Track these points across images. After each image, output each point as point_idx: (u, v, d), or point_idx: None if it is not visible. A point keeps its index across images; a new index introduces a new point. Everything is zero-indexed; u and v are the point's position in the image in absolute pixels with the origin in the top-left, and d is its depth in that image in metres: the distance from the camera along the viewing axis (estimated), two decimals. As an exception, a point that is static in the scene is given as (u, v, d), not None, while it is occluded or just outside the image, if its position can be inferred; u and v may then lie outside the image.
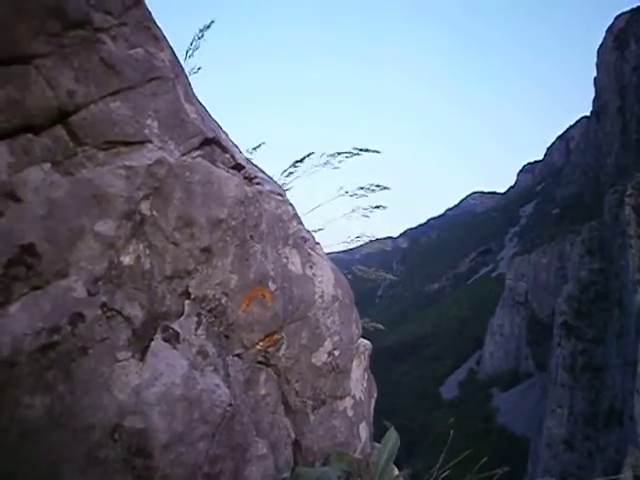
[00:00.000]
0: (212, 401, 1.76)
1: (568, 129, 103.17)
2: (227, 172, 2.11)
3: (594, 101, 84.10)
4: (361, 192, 4.23)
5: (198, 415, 1.71)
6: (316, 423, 2.64)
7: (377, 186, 4.22)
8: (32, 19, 1.67)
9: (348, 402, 2.89)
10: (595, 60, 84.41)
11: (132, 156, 1.83)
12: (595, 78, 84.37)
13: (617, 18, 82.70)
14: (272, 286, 2.26)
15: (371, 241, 5.08)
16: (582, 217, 69.13)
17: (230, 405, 1.83)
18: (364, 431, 3.04)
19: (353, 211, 4.40)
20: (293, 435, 2.51)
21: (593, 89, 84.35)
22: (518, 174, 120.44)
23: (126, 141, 1.86)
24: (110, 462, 1.54)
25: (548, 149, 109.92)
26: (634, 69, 74.28)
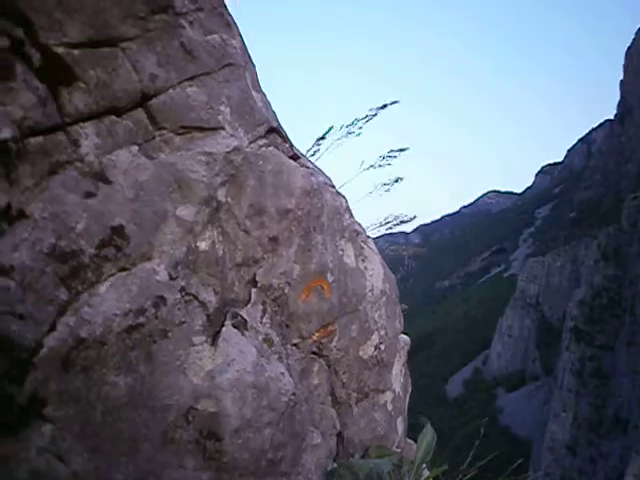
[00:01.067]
0: (278, 389, 1.78)
1: (590, 132, 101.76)
2: (293, 162, 2.12)
3: (619, 105, 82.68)
4: (383, 162, 4.07)
5: (266, 402, 1.73)
6: (358, 415, 2.66)
7: (398, 150, 4.08)
8: (123, 2, 1.68)
9: (388, 396, 2.91)
10: (623, 62, 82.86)
11: (207, 142, 1.85)
12: (621, 81, 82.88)
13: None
14: (330, 278, 2.27)
15: (394, 224, 4.91)
16: (599, 222, 68.30)
17: (293, 394, 1.86)
18: (400, 425, 3.07)
19: (375, 189, 4.27)
20: (338, 426, 2.54)
21: (618, 92, 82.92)
22: (536, 175, 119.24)
23: (201, 126, 1.88)
24: (183, 443, 1.56)
25: (569, 151, 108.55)
26: (662, 74, 72.93)
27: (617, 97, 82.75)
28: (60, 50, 1.56)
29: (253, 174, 1.88)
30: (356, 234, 2.69)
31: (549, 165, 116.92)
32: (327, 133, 4.11)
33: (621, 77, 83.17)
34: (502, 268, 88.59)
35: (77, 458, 1.36)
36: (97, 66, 1.63)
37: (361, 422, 2.70)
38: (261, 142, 2.14)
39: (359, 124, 4.12)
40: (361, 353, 2.61)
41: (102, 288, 1.42)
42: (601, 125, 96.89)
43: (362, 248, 2.67)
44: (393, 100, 3.92)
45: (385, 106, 3.95)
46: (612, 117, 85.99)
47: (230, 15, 2.21)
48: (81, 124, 1.61)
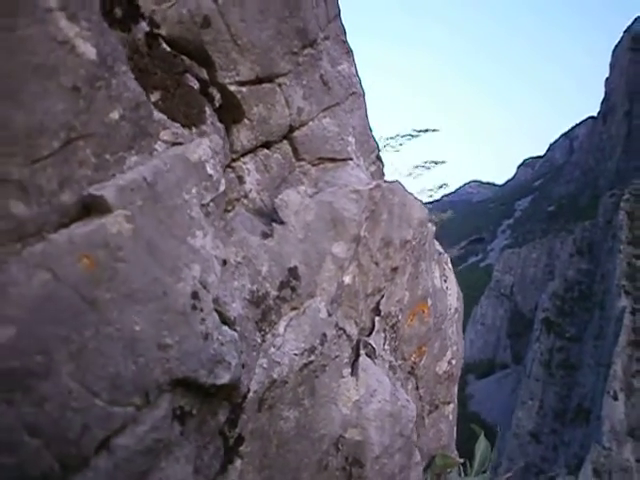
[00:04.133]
0: (407, 416, 1.88)
1: (573, 127, 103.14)
2: (410, 194, 2.19)
3: (602, 102, 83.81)
4: (417, 171, 4.20)
5: (398, 429, 1.83)
6: (429, 426, 2.79)
7: (434, 163, 4.20)
8: (284, 39, 1.72)
9: (451, 407, 3.04)
10: (609, 60, 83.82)
11: (339, 173, 1.90)
12: (607, 79, 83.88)
13: (637, 19, 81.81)
14: (429, 301, 2.37)
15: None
16: (576, 217, 69.65)
17: (415, 419, 1.96)
18: (454, 433, 3.22)
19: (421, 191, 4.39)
20: (415, 438, 2.66)
21: (603, 90, 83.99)
22: (518, 167, 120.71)
23: (334, 158, 1.93)
24: (333, 469, 1.65)
25: (551, 145, 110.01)
26: (647, 74, 73.91)
27: (602, 94, 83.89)
28: (233, 88, 1.59)
29: (386, 208, 1.94)
30: (439, 254, 2.78)
31: (531, 158, 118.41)
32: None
33: (607, 75, 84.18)
34: (479, 257, 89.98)
35: (257, 489, 1.44)
36: (260, 102, 1.67)
37: (430, 432, 2.82)
38: (372, 168, 2.20)
39: (400, 140, 4.25)
40: (437, 369, 2.73)
41: (281, 329, 1.48)
42: (584, 121, 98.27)
43: (444, 269, 2.77)
44: (434, 128, 4.08)
45: (427, 130, 4.10)
46: (595, 114, 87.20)
47: (347, 41, 2.25)
48: (242, 159, 1.65)
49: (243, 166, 1.62)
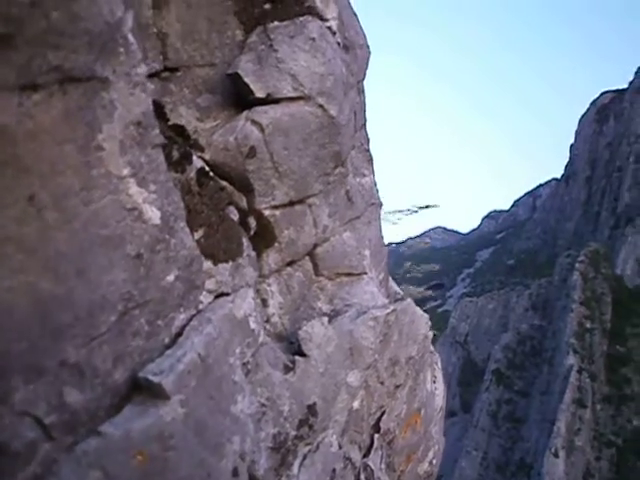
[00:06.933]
0: None
1: (537, 187, 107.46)
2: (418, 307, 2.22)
3: (566, 166, 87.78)
4: (398, 215, 4.20)
5: None
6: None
7: (425, 207, 4.22)
8: (321, 164, 1.74)
9: (426, 506, 3.02)
10: (576, 128, 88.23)
11: (354, 288, 1.91)
12: (572, 145, 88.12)
13: (602, 94, 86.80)
14: (422, 412, 2.37)
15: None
16: (534, 273, 71.67)
17: None
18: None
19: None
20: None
21: (568, 154, 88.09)
22: (483, 218, 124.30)
23: (351, 273, 1.95)
24: None
25: (515, 201, 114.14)
26: (608, 145, 77.98)
27: (566, 158, 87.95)
28: (267, 213, 1.60)
29: (397, 329, 1.96)
30: (431, 353, 2.80)
31: (496, 211, 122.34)
32: None
33: (572, 141, 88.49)
34: (438, 303, 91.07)
35: None
36: (291, 225, 1.68)
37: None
38: (381, 276, 2.22)
39: (398, 215, 4.31)
40: (419, 469, 2.72)
41: (295, 469, 1.45)
42: (548, 182, 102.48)
43: (434, 369, 2.79)
44: (435, 203, 4.15)
45: (428, 207, 4.16)
46: (559, 177, 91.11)
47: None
48: (267, 281, 1.64)
49: (267, 288, 1.61)
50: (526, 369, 57.19)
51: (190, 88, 1.54)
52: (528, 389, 55.11)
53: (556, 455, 42.69)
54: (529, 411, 53.06)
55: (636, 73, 76.50)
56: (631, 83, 76.59)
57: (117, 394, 0.98)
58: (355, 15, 2.22)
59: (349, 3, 2.14)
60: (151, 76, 1.47)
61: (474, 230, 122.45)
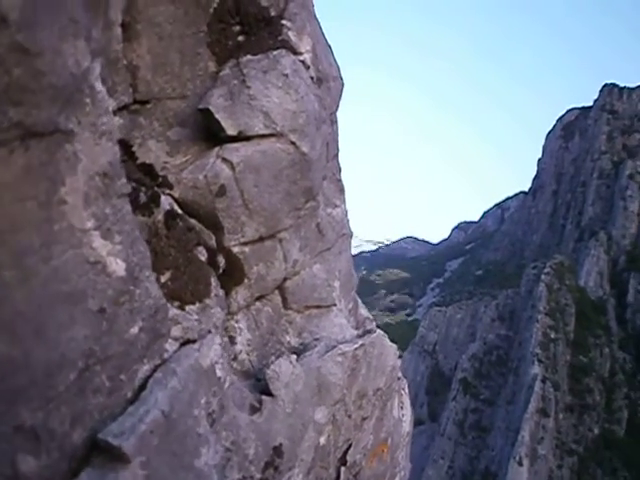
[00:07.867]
0: None
1: (506, 199, 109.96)
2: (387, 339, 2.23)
3: (534, 180, 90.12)
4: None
5: None
6: None
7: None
8: (292, 199, 1.74)
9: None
10: (543, 142, 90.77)
11: (322, 321, 1.91)
12: (539, 159, 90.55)
13: (569, 111, 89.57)
14: (389, 440, 2.38)
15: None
16: (501, 284, 73.05)
17: None
18: None
19: None
20: None
21: (535, 168, 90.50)
22: (453, 229, 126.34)
23: (319, 305, 1.94)
24: None
25: (485, 213, 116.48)
26: (573, 160, 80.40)
27: (534, 172, 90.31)
28: (236, 249, 1.58)
29: (365, 363, 1.96)
30: (398, 380, 2.81)
31: (465, 222, 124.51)
32: None
33: (539, 155, 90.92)
34: (407, 312, 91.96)
35: None
36: (260, 261, 1.67)
37: None
38: (350, 305, 2.22)
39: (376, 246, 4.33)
40: (384, 497, 2.71)
41: (259, 518, 1.43)
42: (516, 195, 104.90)
43: (402, 395, 2.80)
44: (408, 235, 4.18)
45: (400, 240, 4.19)
46: (526, 190, 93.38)
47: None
48: (235, 317, 1.63)
49: (235, 325, 1.60)
50: (492, 378, 58.11)
51: (160, 121, 1.52)
52: (494, 398, 55.97)
53: (520, 463, 43.40)
54: (495, 420, 53.87)
55: (600, 92, 79.18)
56: (596, 101, 79.22)
57: (75, 457, 0.94)
58: (329, 47, 2.23)
59: (323, 35, 2.15)
60: (120, 109, 1.44)
61: (444, 240, 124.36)
